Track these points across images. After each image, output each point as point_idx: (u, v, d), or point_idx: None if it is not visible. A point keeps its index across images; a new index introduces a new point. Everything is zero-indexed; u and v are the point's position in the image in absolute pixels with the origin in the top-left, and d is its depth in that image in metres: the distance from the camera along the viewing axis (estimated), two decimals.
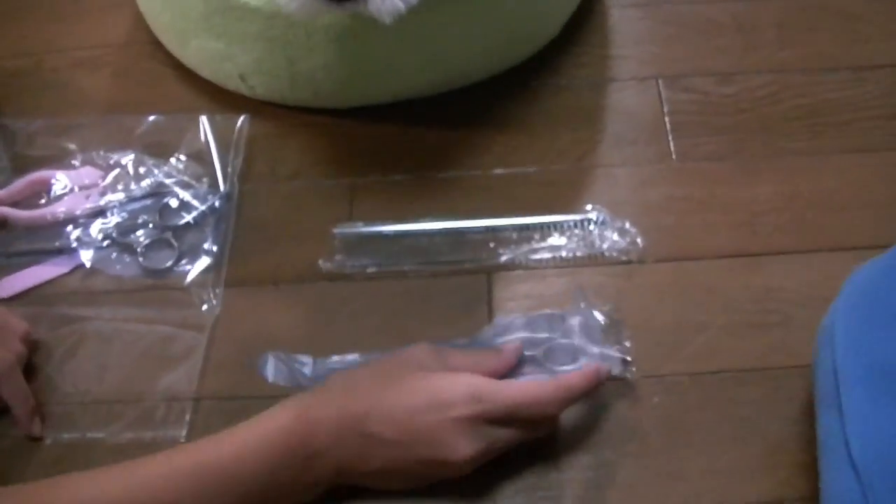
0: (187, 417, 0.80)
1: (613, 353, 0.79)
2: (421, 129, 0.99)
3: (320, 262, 0.88)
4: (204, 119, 0.98)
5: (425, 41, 0.94)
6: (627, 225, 0.89)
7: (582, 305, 0.81)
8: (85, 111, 1.04)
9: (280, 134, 1.00)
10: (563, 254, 0.88)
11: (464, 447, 0.69)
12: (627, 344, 0.80)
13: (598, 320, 0.81)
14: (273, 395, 0.74)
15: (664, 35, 1.06)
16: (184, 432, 0.78)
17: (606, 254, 0.88)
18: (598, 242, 0.88)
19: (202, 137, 0.97)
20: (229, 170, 0.95)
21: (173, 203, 0.92)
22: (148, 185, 0.93)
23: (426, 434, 0.70)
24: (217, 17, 0.94)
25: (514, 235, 0.89)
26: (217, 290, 0.87)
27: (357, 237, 0.90)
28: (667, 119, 0.98)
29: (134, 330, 0.86)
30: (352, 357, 0.81)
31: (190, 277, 0.88)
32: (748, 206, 0.90)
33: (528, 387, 0.73)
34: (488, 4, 0.95)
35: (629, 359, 0.78)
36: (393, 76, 0.97)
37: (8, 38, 1.13)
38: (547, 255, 0.88)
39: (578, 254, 0.88)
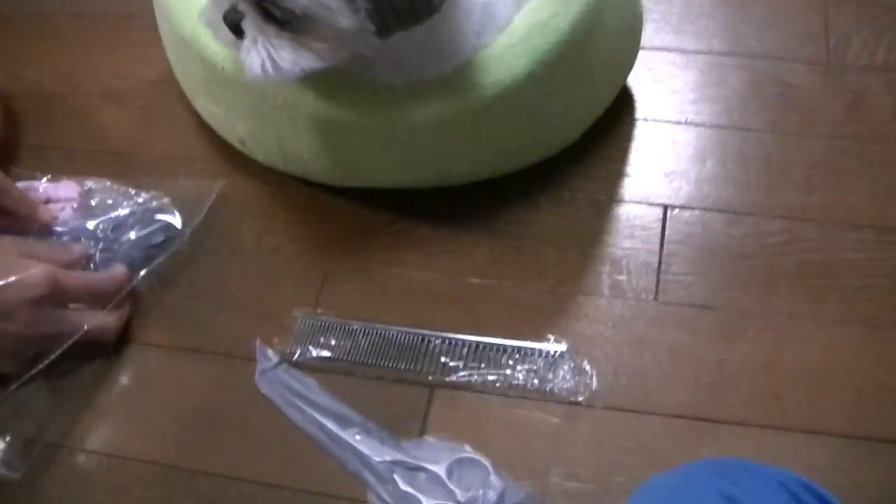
0: None
1: None
2: (409, 221, 0.96)
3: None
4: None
5: (414, 144, 0.90)
6: (585, 364, 0.85)
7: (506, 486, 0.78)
8: (103, 144, 1.06)
9: (274, 200, 0.99)
10: (512, 382, 0.84)
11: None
12: None
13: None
14: None
15: (686, 156, 1.00)
16: None
17: (556, 391, 0.84)
18: (549, 377, 0.84)
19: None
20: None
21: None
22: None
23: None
24: (214, 85, 0.93)
25: (469, 353, 0.86)
26: None
27: (315, 325, 0.89)
28: (663, 252, 0.92)
29: None
30: None
31: None
32: (721, 367, 0.85)
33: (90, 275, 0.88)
34: (491, 121, 0.89)
35: None
36: (379, 169, 0.94)
37: (51, 59, 1.17)
38: (495, 380, 0.85)
39: (528, 386, 0.84)
